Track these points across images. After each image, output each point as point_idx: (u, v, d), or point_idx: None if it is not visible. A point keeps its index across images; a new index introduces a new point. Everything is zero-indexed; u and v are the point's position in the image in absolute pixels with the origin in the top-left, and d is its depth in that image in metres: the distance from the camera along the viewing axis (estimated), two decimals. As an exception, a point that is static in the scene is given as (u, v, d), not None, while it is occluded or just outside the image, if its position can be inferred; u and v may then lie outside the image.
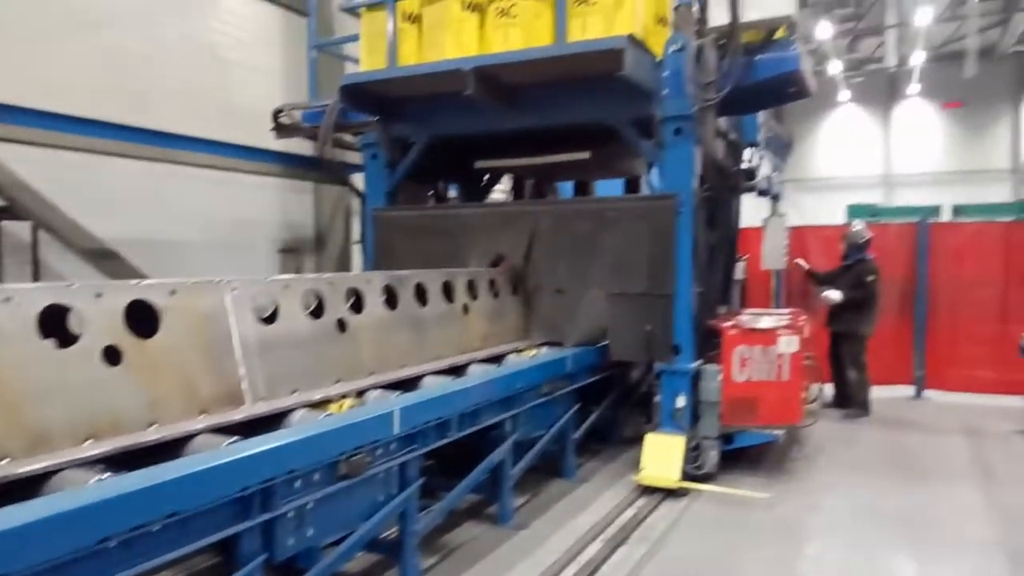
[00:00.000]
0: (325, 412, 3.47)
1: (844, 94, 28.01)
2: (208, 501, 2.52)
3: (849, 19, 23.02)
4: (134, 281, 3.12)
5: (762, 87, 5.48)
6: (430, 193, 7.76)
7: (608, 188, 8.46)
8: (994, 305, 8.56)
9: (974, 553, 4.39)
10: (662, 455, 5.42)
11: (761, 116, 7.16)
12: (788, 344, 5.72)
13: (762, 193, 8.03)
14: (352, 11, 6.40)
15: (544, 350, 5.70)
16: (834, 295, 7.66)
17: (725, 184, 5.77)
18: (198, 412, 3.09)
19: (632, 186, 8.07)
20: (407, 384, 4.24)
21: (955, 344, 8.72)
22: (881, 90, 27.92)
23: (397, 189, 6.77)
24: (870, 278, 7.62)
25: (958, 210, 12.24)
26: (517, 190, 8.67)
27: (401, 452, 3.60)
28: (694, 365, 5.62)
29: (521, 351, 5.47)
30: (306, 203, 8.83)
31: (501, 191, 9.05)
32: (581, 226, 5.91)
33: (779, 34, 5.32)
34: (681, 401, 5.60)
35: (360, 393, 3.83)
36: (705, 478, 5.53)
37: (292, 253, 8.60)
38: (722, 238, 6.90)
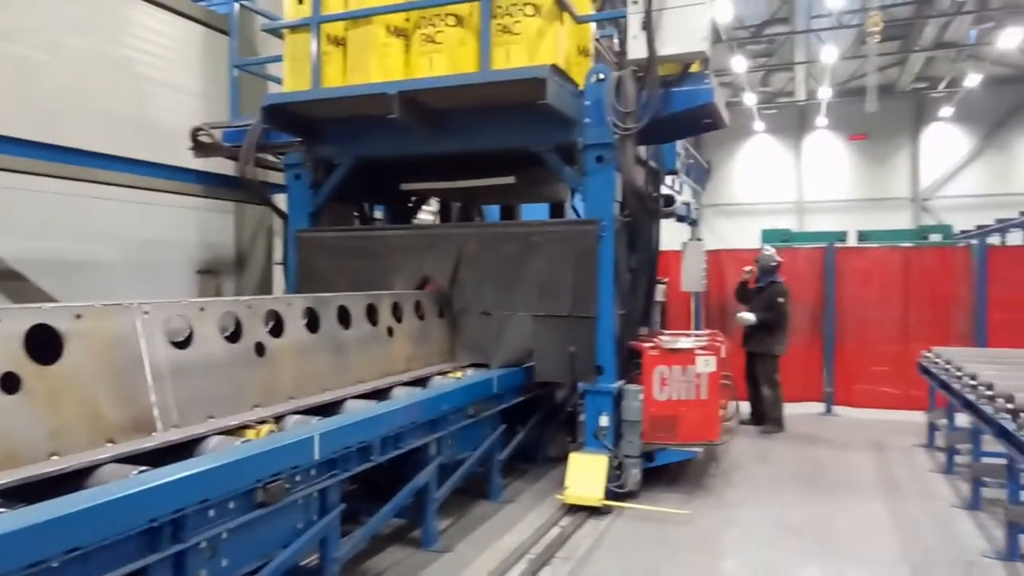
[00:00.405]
0: (242, 438, 3.38)
1: (759, 124, 29.37)
2: (113, 534, 2.42)
3: (762, 55, 24.25)
4: (36, 305, 2.98)
5: (678, 118, 5.71)
6: (355, 214, 7.73)
7: (533, 212, 8.60)
8: (896, 325, 9.10)
9: (878, 564, 4.62)
10: (586, 474, 5.50)
11: (679, 145, 7.42)
12: (706, 364, 5.92)
13: (680, 219, 8.33)
14: (274, 32, 6.33)
15: (470, 372, 5.72)
16: (748, 316, 7.98)
17: (645, 210, 5.97)
18: (104, 441, 2.97)
19: (557, 211, 8.22)
20: (329, 408, 4.18)
21: (861, 362, 9.20)
22: (792, 122, 29.39)
23: (321, 210, 6.70)
24: (780, 300, 7.98)
25: (863, 236, 12.96)
26: (444, 213, 8.72)
27: (321, 478, 3.54)
28: (617, 385, 5.75)
29: (446, 373, 5.47)
30: (227, 223, 8.59)
31: (429, 212, 9.08)
32: (507, 249, 5.99)
33: (694, 68, 5.56)
34: (604, 420, 5.70)
35: (279, 418, 3.76)
36: (628, 496, 5.63)
37: (211, 275, 8.34)
38: (643, 261, 7.09)
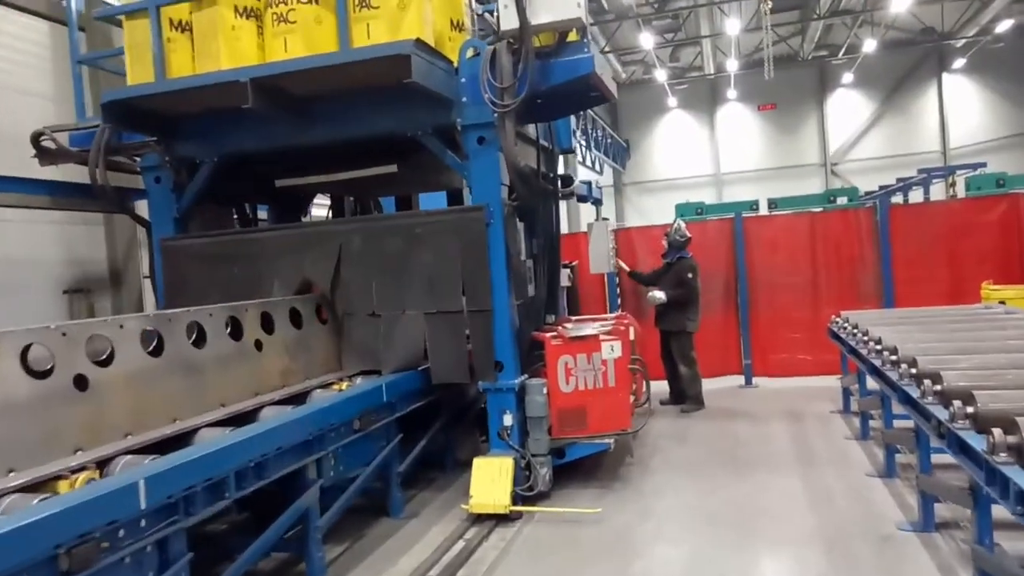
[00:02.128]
0: (46, 494, 2.85)
1: (672, 100, 29.61)
2: None
3: (669, 30, 24.29)
4: None
5: (562, 91, 5.36)
6: (235, 217, 7.13)
7: (434, 201, 8.15)
8: (807, 291, 9.06)
9: (794, 544, 4.42)
10: (491, 479, 5.13)
11: (574, 122, 7.09)
12: (611, 350, 5.62)
13: (581, 199, 8.02)
14: (108, 19, 5.67)
15: (359, 381, 5.27)
16: (658, 295, 7.76)
17: (534, 191, 5.57)
18: None
19: (455, 198, 7.80)
20: (177, 441, 3.66)
21: (776, 332, 9.14)
22: (704, 95, 29.71)
23: (189, 215, 6.10)
24: (689, 275, 7.78)
25: (773, 203, 13.01)
26: (336, 209, 8.16)
27: (156, 528, 3.04)
28: (519, 381, 5.39)
29: (330, 385, 5.00)
30: (97, 236, 7.83)
31: (322, 209, 8.52)
32: (391, 244, 5.54)
33: (572, 37, 5.20)
34: (508, 419, 5.35)
35: (105, 462, 3.23)
36: (538, 498, 5.30)
37: (82, 293, 7.59)
38: (544, 246, 6.76)
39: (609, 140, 27.25)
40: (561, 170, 7.81)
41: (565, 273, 7.18)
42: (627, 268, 8.43)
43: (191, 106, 5.46)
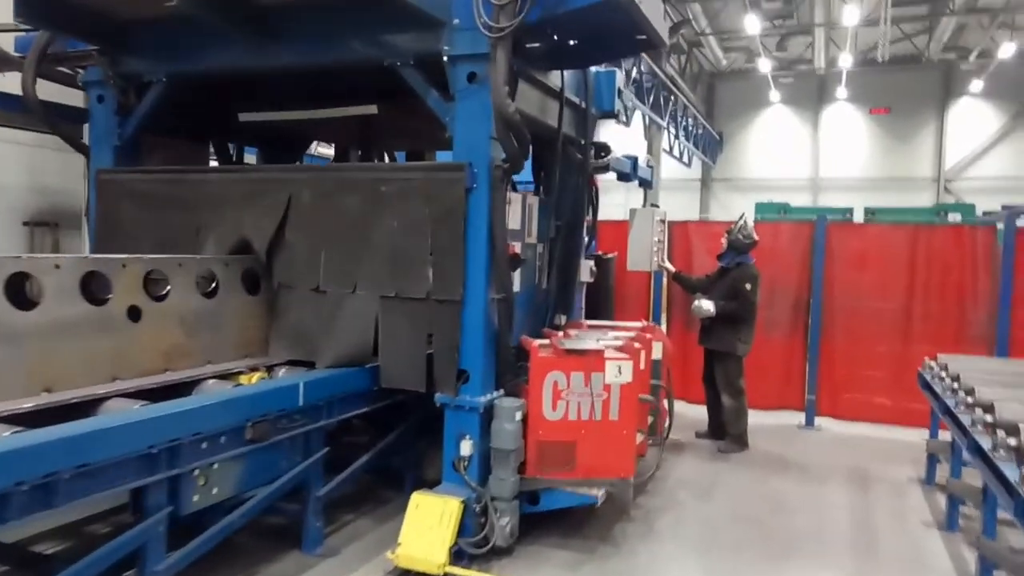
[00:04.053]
0: None
1: (775, 94, 27.29)
2: None
3: (779, 15, 22.09)
4: None
5: (588, 22, 4.00)
6: (216, 158, 6.12)
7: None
8: (896, 322, 7.37)
9: None
10: (429, 525, 3.90)
11: (620, 81, 5.68)
12: (618, 372, 4.27)
13: (622, 177, 6.59)
14: None
15: (282, 372, 4.13)
16: (706, 306, 6.27)
17: (525, 151, 4.13)
18: None
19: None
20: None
21: (851, 365, 7.50)
22: (811, 92, 27.27)
23: (145, 146, 5.12)
24: (747, 286, 6.26)
25: (870, 213, 11.12)
26: (341, 160, 7.03)
27: None
28: (487, 398, 4.13)
29: (234, 376, 3.87)
30: (74, 163, 6.95)
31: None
32: (349, 202, 4.36)
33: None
34: (467, 448, 4.10)
35: None
36: (493, 555, 4.04)
37: (47, 228, 6.78)
38: (563, 229, 5.44)
39: (700, 131, 25.33)
40: (637, 152, 6.39)
41: (588, 265, 5.81)
42: (672, 269, 6.97)
43: (142, 8, 4.38)
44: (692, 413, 7.33)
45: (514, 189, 5.49)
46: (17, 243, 6.58)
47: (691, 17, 21.21)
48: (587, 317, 6.34)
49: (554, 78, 4.97)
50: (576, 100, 5.30)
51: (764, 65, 24.57)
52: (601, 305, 6.85)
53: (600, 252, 6.84)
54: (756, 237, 6.55)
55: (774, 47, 24.62)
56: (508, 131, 3.84)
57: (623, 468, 4.34)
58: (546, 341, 4.52)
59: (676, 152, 24.42)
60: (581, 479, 4.28)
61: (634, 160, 6.47)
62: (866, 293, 7.41)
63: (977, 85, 24.15)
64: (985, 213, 14.28)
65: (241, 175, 4.91)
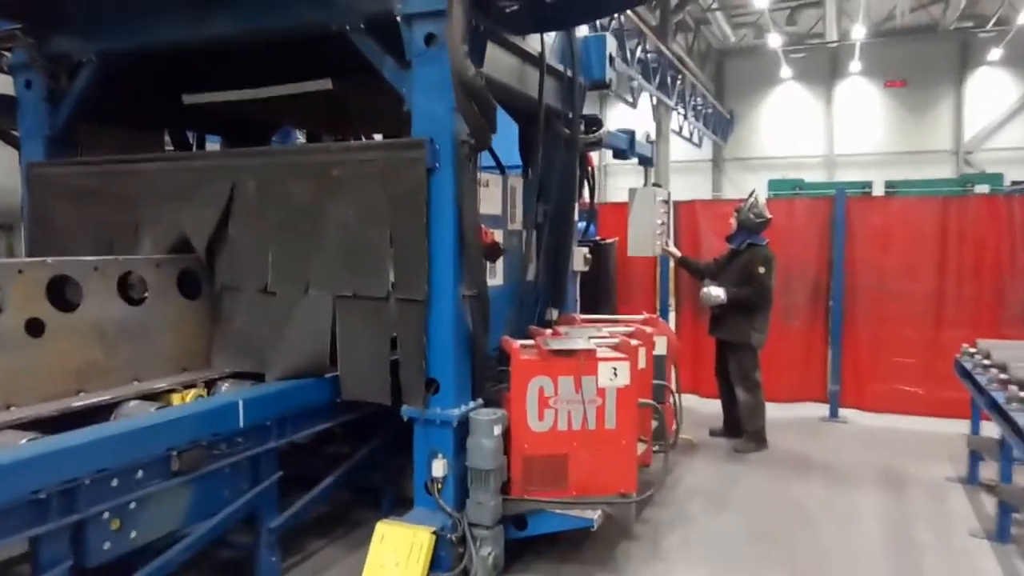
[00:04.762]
0: None
1: (786, 71, 26.49)
2: None
3: (787, -14, 21.30)
4: None
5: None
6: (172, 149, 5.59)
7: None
8: (927, 304, 6.72)
9: None
10: (396, 561, 3.36)
11: (612, 47, 5.07)
12: (614, 374, 3.72)
13: (618, 154, 5.99)
14: None
15: (224, 387, 3.60)
16: (716, 293, 5.68)
17: (491, 122, 3.52)
18: None
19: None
20: None
21: (878, 353, 6.85)
22: (823, 67, 26.47)
23: (68, 134, 4.56)
24: (761, 269, 5.65)
25: (891, 186, 10.42)
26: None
27: None
28: (461, 410, 3.58)
29: (165, 394, 3.34)
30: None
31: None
32: (299, 190, 3.80)
33: None
34: (439, 468, 3.56)
35: None
36: (472, 590, 3.50)
37: (1, 231, 6.29)
38: (551, 213, 4.87)
39: (710, 110, 24.57)
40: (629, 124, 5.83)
41: (581, 253, 5.24)
42: (678, 254, 6.37)
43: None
44: (705, 409, 6.77)
45: (502, 173, 4.94)
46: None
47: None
48: (586, 310, 5.80)
49: (535, 43, 4.39)
50: (561, 68, 4.71)
51: (774, 40, 23.81)
52: (601, 296, 6.29)
53: (600, 237, 6.27)
54: (768, 215, 5.94)
55: (784, 21, 23.78)
56: (469, 99, 3.27)
57: (623, 483, 3.79)
58: (530, 342, 3.96)
59: (686, 133, 23.71)
60: (575, 498, 3.73)
61: (631, 135, 5.87)
62: (892, 273, 6.77)
63: (996, 53, 23.25)
64: (1014, 183, 13.55)
65: (180, 163, 4.36)
